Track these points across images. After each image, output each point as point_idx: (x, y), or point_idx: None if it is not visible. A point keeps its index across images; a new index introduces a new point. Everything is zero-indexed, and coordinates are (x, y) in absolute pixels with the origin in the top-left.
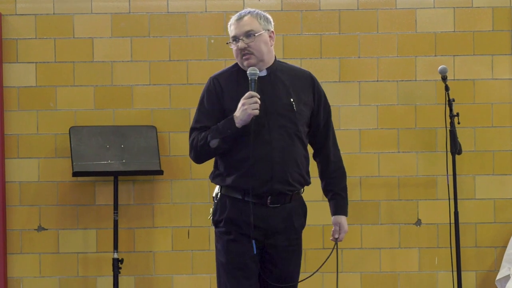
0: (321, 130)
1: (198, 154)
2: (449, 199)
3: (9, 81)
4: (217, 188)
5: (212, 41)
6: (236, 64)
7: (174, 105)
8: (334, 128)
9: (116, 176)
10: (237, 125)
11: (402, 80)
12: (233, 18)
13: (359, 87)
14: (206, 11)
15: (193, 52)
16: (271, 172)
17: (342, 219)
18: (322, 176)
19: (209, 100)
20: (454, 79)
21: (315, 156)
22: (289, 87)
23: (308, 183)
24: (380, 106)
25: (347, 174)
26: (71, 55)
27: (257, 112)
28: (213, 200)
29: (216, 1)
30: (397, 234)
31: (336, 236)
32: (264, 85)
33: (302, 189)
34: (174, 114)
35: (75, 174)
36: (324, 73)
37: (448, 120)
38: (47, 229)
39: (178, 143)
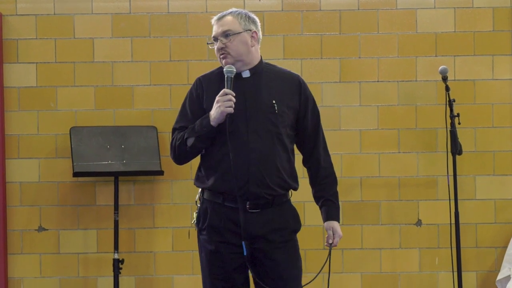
0: (309, 135)
1: (177, 154)
2: (449, 199)
3: (9, 81)
4: (199, 192)
5: None
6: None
7: (174, 105)
8: (335, 129)
9: (116, 176)
10: (212, 123)
11: (403, 81)
12: (214, 17)
13: (359, 88)
14: (206, 11)
15: (194, 52)
16: (247, 174)
17: (335, 224)
18: (313, 182)
19: (190, 100)
20: (454, 80)
21: (304, 162)
22: (273, 89)
23: (292, 187)
24: (381, 106)
25: (348, 174)
26: (72, 55)
27: (231, 110)
28: (196, 204)
29: (217, 1)
30: (397, 234)
31: (330, 241)
32: (247, 86)
33: (289, 193)
34: (174, 114)
35: (76, 174)
36: (325, 74)
37: (449, 121)
38: (47, 230)
39: None
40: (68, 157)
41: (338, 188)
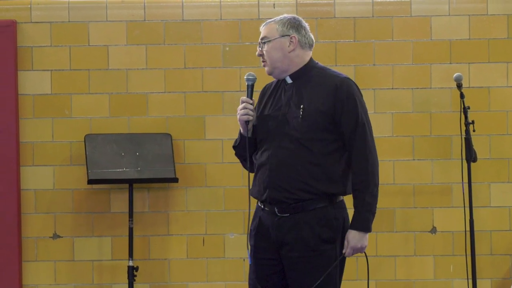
0: (347, 140)
1: (237, 154)
2: (464, 206)
3: (24, 88)
4: None
5: (227, 48)
6: None
7: (189, 113)
8: None
9: (131, 183)
10: (241, 131)
11: (417, 88)
12: (262, 25)
13: (374, 95)
14: (221, 19)
15: (208, 59)
16: (267, 179)
17: (351, 233)
18: (352, 188)
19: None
20: (469, 87)
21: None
22: (306, 94)
23: (326, 191)
24: (395, 113)
25: None
26: (86, 62)
27: (247, 117)
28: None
29: (231, 8)
30: (412, 241)
31: (344, 251)
32: (288, 92)
33: (332, 200)
34: (189, 121)
35: (90, 181)
36: None
37: (463, 128)
38: (62, 237)
39: (193, 150)
40: (82, 165)
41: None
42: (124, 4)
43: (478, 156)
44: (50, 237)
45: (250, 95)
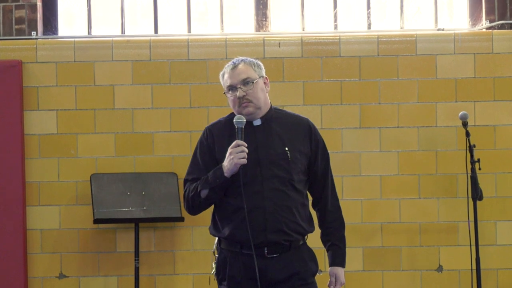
0: (319, 179)
1: (190, 205)
2: (470, 245)
3: (30, 128)
4: (216, 242)
5: None
6: (231, 113)
7: None
8: (355, 174)
9: (137, 223)
10: (225, 174)
11: (423, 126)
12: (227, 67)
13: (379, 133)
14: (226, 58)
15: (214, 99)
16: (264, 222)
17: (339, 270)
18: (321, 225)
19: (201, 151)
20: (474, 125)
21: (313, 205)
22: (284, 136)
23: (308, 231)
24: (401, 152)
25: (368, 220)
26: (92, 102)
27: (244, 161)
28: (214, 255)
29: (236, 48)
30: (418, 280)
31: (332, 286)
32: (258, 135)
33: (306, 237)
34: None
35: (96, 221)
36: (345, 119)
37: (469, 166)
38: (68, 277)
39: None
40: (88, 204)
41: (359, 234)
42: (129, 43)
43: (484, 194)
44: (56, 277)
45: (242, 137)
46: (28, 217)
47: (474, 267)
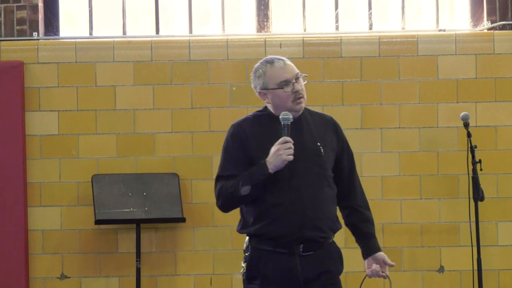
0: (346, 176)
1: (227, 202)
2: (471, 245)
3: (31, 129)
4: (247, 240)
5: (234, 88)
6: (260, 110)
7: (196, 153)
8: None
9: (138, 223)
10: (270, 170)
11: (424, 127)
12: (281, 62)
13: (381, 134)
14: (227, 59)
15: (215, 99)
16: (302, 218)
17: (383, 254)
18: (352, 221)
19: (234, 147)
20: (476, 126)
21: (340, 202)
22: (315, 132)
23: (338, 228)
24: (402, 152)
25: None
26: (93, 103)
27: (291, 157)
28: (244, 253)
29: (238, 48)
30: (420, 281)
31: (385, 272)
32: (292, 131)
33: (333, 235)
34: (196, 161)
35: (98, 222)
36: (346, 120)
37: (471, 167)
38: (69, 277)
39: (200, 190)
40: (90, 205)
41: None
42: (131, 44)
43: (485, 195)
44: (57, 277)
45: (288, 133)
46: (30, 218)
47: (475, 267)
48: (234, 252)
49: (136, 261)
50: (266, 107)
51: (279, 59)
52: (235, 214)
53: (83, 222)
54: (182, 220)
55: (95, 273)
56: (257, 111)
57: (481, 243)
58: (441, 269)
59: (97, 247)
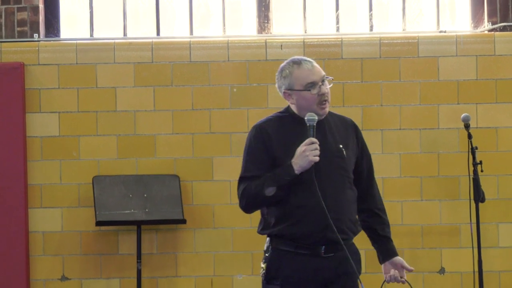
0: (365, 179)
1: (251, 203)
2: (472, 247)
3: (32, 130)
4: (267, 241)
5: (235, 90)
6: (282, 111)
7: (197, 154)
8: None
9: (139, 225)
10: (296, 172)
11: (425, 128)
12: (308, 63)
13: (381, 135)
14: (228, 60)
15: (216, 101)
16: (325, 220)
17: (401, 259)
18: (370, 224)
19: (257, 148)
20: (477, 127)
21: (359, 205)
22: (336, 134)
23: (358, 231)
24: (403, 154)
25: None
26: (94, 104)
27: (317, 158)
28: (264, 254)
29: (238, 50)
30: (421, 282)
31: (403, 278)
32: (315, 133)
33: (354, 237)
34: (197, 163)
35: (99, 223)
36: None
37: (471, 168)
38: (70, 279)
39: (201, 192)
40: (90, 206)
41: (361, 236)
42: (131, 46)
43: (486, 196)
44: (58, 279)
45: (314, 135)
46: (30, 220)
47: (476, 269)
48: (235, 253)
49: (137, 262)
50: (287, 108)
51: (306, 60)
52: (236, 215)
53: (83, 223)
54: (183, 221)
55: (96, 274)
56: (278, 112)
57: (482, 245)
58: (442, 271)
59: (98, 248)
